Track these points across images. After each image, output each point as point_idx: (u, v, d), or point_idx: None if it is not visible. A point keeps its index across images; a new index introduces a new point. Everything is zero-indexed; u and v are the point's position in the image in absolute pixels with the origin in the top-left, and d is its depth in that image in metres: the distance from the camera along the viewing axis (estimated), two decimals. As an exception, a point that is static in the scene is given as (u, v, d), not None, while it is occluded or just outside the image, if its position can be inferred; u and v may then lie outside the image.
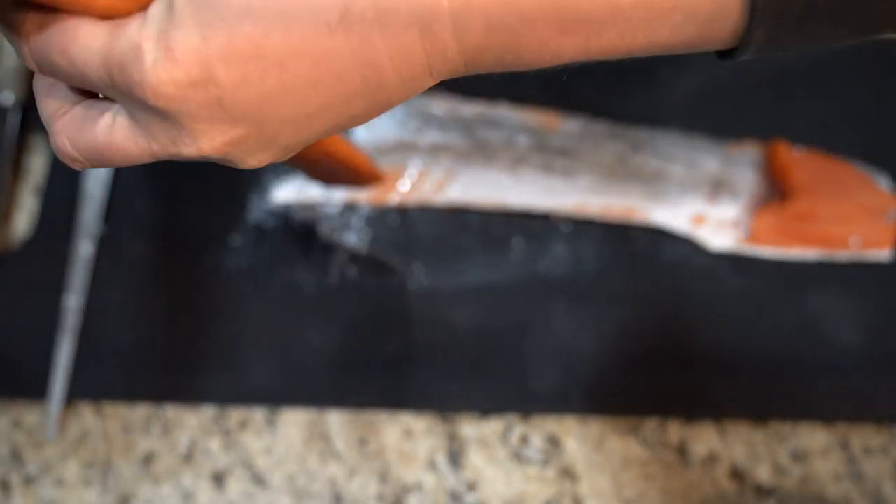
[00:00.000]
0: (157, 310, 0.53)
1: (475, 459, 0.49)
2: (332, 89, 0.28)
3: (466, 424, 0.50)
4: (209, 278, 0.53)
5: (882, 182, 0.55)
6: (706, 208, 0.54)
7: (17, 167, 0.57)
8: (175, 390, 0.51)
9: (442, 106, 0.56)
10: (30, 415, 0.51)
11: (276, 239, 0.54)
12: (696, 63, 0.58)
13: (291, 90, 0.28)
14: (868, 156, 0.56)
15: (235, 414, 0.51)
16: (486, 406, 0.50)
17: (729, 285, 0.53)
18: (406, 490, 0.49)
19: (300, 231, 0.54)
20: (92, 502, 0.49)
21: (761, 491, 0.49)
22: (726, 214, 0.54)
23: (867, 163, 0.56)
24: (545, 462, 0.49)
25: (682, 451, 0.50)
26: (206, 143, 0.29)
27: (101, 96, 0.31)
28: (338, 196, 0.55)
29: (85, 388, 0.51)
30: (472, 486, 0.49)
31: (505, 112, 0.57)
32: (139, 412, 0.51)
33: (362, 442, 0.50)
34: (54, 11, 0.28)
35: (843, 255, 0.53)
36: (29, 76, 0.57)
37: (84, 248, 0.53)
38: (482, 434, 0.50)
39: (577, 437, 0.50)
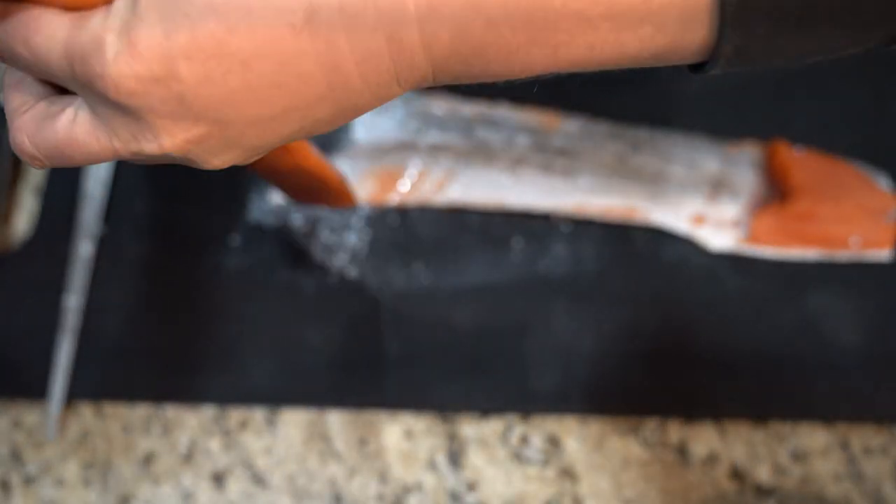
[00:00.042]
0: (157, 310, 0.53)
1: (475, 459, 0.49)
2: (297, 91, 0.28)
3: (466, 424, 0.50)
4: (209, 278, 0.53)
5: (882, 182, 0.55)
6: (706, 208, 0.54)
7: (17, 167, 0.57)
8: (175, 390, 0.51)
9: (442, 106, 0.56)
10: (30, 415, 0.51)
11: (276, 239, 0.54)
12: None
13: (255, 90, 0.28)
14: (868, 156, 0.56)
15: (235, 414, 0.51)
16: (486, 406, 0.50)
17: (729, 285, 0.53)
18: (406, 490, 0.49)
19: (300, 231, 0.54)
20: (92, 502, 0.49)
21: (761, 491, 0.49)
22: (726, 214, 0.54)
23: (867, 163, 0.56)
24: (545, 462, 0.49)
25: (682, 451, 0.50)
26: (167, 139, 0.28)
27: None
28: (338, 196, 0.55)
29: (85, 388, 0.51)
30: (472, 486, 0.49)
31: (505, 112, 0.57)
32: (139, 412, 0.51)
33: (362, 442, 0.50)
34: (18, 1, 0.28)
35: (843, 255, 0.53)
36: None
37: (84, 248, 0.53)
38: (482, 434, 0.50)
39: (577, 437, 0.50)
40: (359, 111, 0.30)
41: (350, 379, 0.51)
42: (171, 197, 0.55)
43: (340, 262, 0.54)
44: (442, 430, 0.50)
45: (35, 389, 0.50)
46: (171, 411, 0.51)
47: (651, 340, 0.51)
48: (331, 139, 0.56)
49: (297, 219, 0.55)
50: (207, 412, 0.51)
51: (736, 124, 0.57)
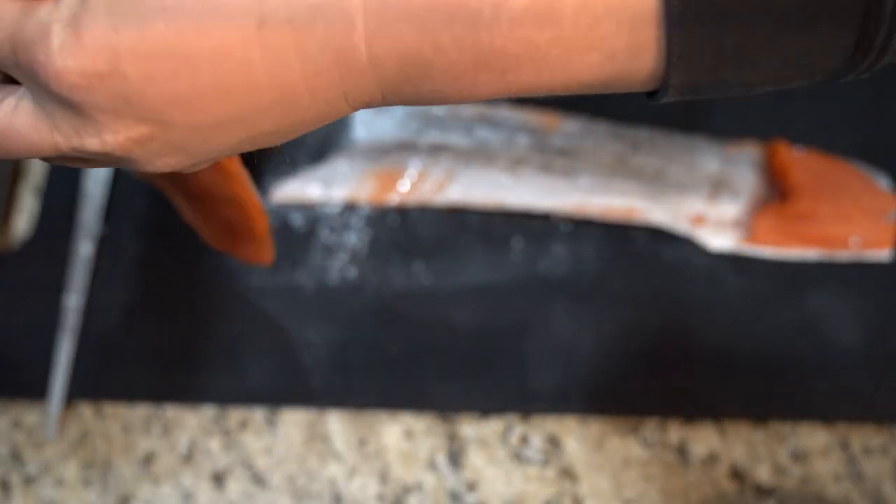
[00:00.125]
0: (157, 310, 0.53)
1: (475, 459, 0.49)
2: (243, 100, 0.28)
3: (466, 424, 0.50)
4: (209, 278, 0.53)
5: (882, 182, 0.55)
6: (706, 208, 0.54)
7: (17, 167, 0.57)
8: (175, 390, 0.51)
9: (442, 106, 0.56)
10: (30, 415, 0.51)
11: (276, 239, 0.54)
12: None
13: (201, 95, 0.27)
14: (868, 156, 0.56)
15: (235, 414, 0.51)
16: (486, 406, 0.50)
17: (729, 285, 0.53)
18: (406, 490, 0.49)
19: (300, 231, 0.54)
20: (92, 502, 0.49)
21: (761, 491, 0.49)
22: (726, 214, 0.54)
23: (867, 163, 0.56)
24: (545, 462, 0.49)
25: (682, 451, 0.50)
26: (110, 136, 0.28)
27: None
28: (338, 196, 0.55)
29: (85, 388, 0.51)
30: (472, 486, 0.49)
31: (505, 112, 0.57)
32: (139, 412, 0.51)
33: (362, 442, 0.50)
34: None
35: (843, 255, 0.53)
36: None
37: (84, 248, 0.53)
38: (482, 434, 0.50)
39: (577, 437, 0.50)
40: (306, 127, 0.30)
41: (350, 379, 0.51)
42: (171, 197, 0.55)
43: (340, 262, 0.54)
44: (442, 430, 0.50)
45: (35, 389, 0.50)
46: (171, 411, 0.51)
47: (651, 340, 0.51)
48: (331, 139, 0.56)
49: (297, 219, 0.55)
50: (207, 412, 0.51)
51: (736, 124, 0.57)
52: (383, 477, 0.49)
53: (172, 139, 0.29)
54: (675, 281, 0.53)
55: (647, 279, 0.53)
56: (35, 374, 0.51)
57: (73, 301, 0.52)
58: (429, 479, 0.49)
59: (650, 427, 0.50)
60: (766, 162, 0.56)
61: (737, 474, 0.49)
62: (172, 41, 0.26)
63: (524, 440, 0.50)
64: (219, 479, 0.49)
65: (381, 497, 0.49)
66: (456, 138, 0.56)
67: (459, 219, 0.55)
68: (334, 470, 0.49)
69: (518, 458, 0.50)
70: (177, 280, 0.53)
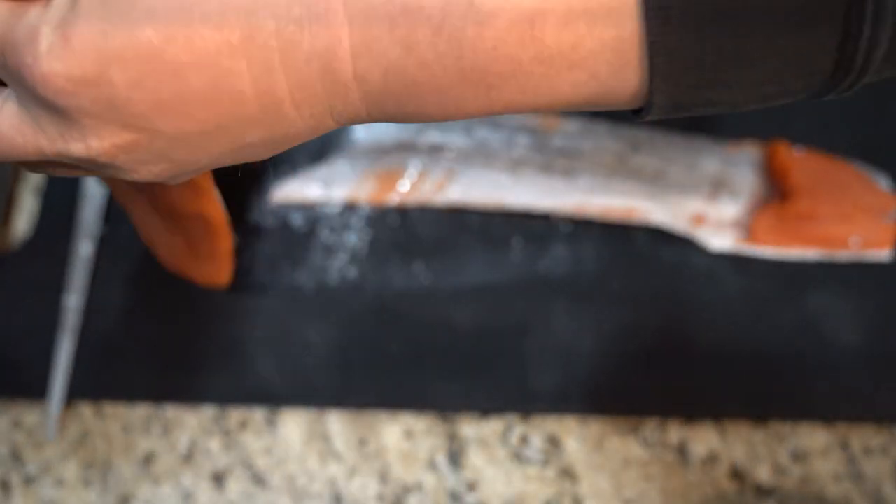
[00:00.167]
0: (158, 309, 0.53)
1: (475, 459, 0.49)
2: (229, 110, 0.28)
3: (466, 424, 0.50)
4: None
5: (882, 182, 0.55)
6: (706, 208, 0.54)
7: (17, 167, 0.57)
8: (175, 390, 0.51)
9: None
10: (30, 415, 0.51)
11: (276, 239, 0.54)
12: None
13: (187, 103, 0.27)
14: (868, 156, 0.56)
15: (235, 414, 0.51)
16: (486, 406, 0.50)
17: (729, 285, 0.53)
18: (406, 490, 0.49)
19: (300, 231, 0.54)
20: (92, 502, 0.49)
21: (761, 491, 0.49)
22: (726, 214, 0.54)
23: (867, 163, 0.56)
24: (545, 462, 0.49)
25: (682, 451, 0.50)
26: (95, 142, 0.28)
27: None
28: (338, 196, 0.55)
29: (85, 388, 0.51)
30: (472, 487, 0.49)
31: (505, 112, 0.57)
32: (139, 412, 0.51)
33: (362, 442, 0.50)
34: None
35: (843, 255, 0.53)
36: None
37: (84, 248, 0.53)
38: (482, 434, 0.50)
39: (577, 437, 0.50)
40: (291, 140, 0.30)
41: (350, 379, 0.51)
42: (171, 197, 0.55)
43: (340, 262, 0.54)
44: (442, 430, 0.50)
45: (35, 389, 0.50)
46: (171, 411, 0.51)
47: (651, 340, 0.51)
48: (331, 139, 0.56)
49: (297, 219, 0.55)
50: (207, 412, 0.51)
51: (736, 124, 0.57)
52: (383, 477, 0.49)
53: (158, 147, 0.28)
54: (675, 281, 0.53)
55: (647, 279, 0.53)
56: (35, 374, 0.51)
57: (73, 301, 0.52)
58: (429, 479, 0.49)
59: (650, 427, 0.50)
60: (766, 162, 0.56)
61: (737, 474, 0.49)
62: (160, 48, 0.26)
63: (524, 440, 0.50)
64: (219, 479, 0.49)
65: (381, 497, 0.49)
66: (456, 138, 0.56)
67: (459, 219, 0.55)
68: (334, 470, 0.49)
69: (518, 458, 0.50)
70: (177, 280, 0.53)
